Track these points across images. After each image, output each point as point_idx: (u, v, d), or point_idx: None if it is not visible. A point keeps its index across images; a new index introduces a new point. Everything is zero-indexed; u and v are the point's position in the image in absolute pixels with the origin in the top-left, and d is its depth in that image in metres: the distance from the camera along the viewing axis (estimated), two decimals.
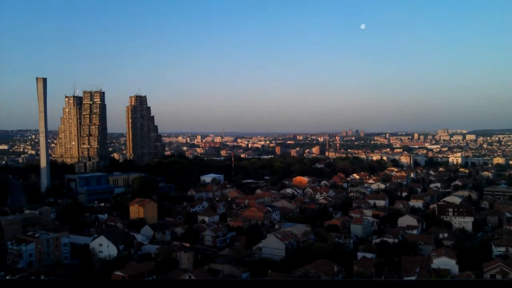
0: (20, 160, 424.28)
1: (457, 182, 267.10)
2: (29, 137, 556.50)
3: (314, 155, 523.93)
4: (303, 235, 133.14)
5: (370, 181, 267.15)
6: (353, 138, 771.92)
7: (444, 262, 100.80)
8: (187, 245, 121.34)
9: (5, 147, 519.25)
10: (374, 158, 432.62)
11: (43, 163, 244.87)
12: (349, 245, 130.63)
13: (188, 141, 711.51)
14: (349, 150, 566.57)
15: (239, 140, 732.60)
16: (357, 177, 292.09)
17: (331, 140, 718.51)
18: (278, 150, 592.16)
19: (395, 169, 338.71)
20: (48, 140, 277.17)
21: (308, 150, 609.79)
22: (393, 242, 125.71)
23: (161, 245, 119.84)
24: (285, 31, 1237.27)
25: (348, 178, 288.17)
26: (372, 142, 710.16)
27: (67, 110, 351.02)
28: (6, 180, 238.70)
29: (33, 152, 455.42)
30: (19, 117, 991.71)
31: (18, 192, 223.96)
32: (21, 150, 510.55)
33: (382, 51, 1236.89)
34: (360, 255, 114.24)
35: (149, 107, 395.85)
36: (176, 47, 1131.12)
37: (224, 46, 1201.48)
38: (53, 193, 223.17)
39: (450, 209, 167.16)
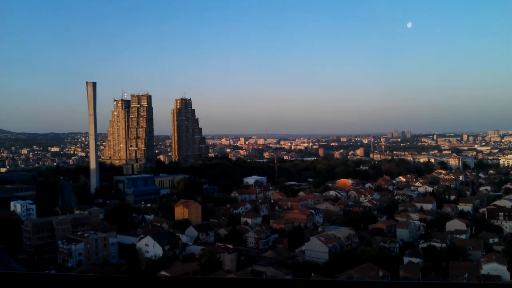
0: (71, 162, 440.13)
1: (508, 185, 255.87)
2: (79, 140, 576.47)
3: (358, 157, 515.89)
4: (347, 238, 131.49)
5: (417, 183, 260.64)
6: (399, 140, 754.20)
7: (494, 268, 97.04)
8: (231, 246, 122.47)
9: (56, 149, 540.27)
10: (421, 160, 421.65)
11: (93, 164, 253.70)
12: (394, 250, 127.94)
13: (232, 143, 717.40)
14: (394, 152, 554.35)
15: (282, 142, 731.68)
16: (403, 179, 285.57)
17: (376, 141, 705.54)
18: (321, 152, 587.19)
19: (443, 172, 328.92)
20: (98, 143, 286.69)
21: (352, 152, 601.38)
22: (441, 246, 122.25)
23: (205, 246, 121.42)
24: (330, 32, 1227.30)
25: (394, 181, 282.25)
26: (419, 144, 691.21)
27: (115, 113, 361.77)
28: (58, 181, 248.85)
29: (83, 154, 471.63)
30: (70, 120, 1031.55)
31: (69, 193, 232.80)
32: (72, 152, 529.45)
33: (430, 51, 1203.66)
34: (406, 259, 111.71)
35: (194, 110, 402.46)
36: (221, 50, 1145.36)
37: (267, 47, 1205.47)
38: (102, 194, 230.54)
39: (501, 213, 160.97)
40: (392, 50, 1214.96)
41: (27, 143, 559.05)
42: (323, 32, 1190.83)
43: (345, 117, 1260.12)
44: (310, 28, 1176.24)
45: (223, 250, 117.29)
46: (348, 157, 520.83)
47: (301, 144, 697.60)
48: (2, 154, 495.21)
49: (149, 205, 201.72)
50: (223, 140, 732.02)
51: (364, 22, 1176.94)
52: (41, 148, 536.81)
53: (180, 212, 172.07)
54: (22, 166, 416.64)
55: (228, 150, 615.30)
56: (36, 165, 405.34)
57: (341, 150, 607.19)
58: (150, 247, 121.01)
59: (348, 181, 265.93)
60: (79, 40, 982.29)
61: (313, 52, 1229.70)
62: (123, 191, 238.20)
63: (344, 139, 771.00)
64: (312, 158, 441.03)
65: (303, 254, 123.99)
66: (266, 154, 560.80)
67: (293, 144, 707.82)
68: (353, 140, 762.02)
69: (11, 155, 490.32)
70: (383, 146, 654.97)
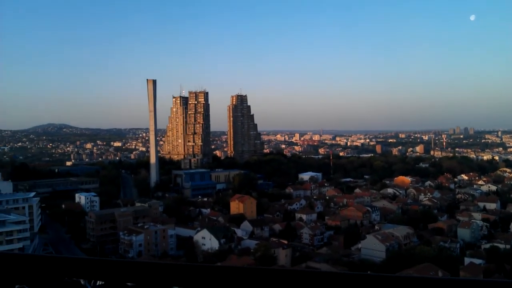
0: (132, 157, 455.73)
1: None
2: (140, 135, 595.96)
3: (418, 154, 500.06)
4: (405, 237, 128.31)
5: (480, 182, 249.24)
6: (461, 136, 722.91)
7: None
8: (285, 242, 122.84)
9: (119, 144, 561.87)
10: (485, 157, 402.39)
11: (153, 159, 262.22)
12: (455, 250, 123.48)
13: (287, 139, 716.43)
14: (456, 149, 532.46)
15: (337, 138, 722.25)
16: (466, 178, 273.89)
17: (436, 138, 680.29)
18: (378, 148, 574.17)
19: (508, 170, 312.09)
20: (157, 138, 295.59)
21: (411, 148, 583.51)
22: (505, 248, 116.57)
23: (260, 241, 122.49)
24: (385, 24, 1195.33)
25: (455, 179, 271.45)
26: (483, 141, 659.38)
27: (174, 109, 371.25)
28: (120, 175, 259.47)
29: (144, 149, 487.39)
30: (131, 116, 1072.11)
31: (130, 186, 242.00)
32: (133, 147, 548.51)
33: (496, 41, 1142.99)
34: (467, 260, 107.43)
35: (249, 106, 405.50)
36: (277, 46, 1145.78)
37: (321, 42, 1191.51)
38: (161, 188, 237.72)
39: None
40: (454, 41, 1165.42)
41: (91, 138, 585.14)
42: (377, 25, 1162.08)
43: (404, 112, 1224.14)
44: (365, 21, 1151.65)
45: (277, 245, 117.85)
46: (407, 154, 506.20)
47: (358, 141, 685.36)
48: (68, 149, 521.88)
49: (205, 199, 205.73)
50: (278, 136, 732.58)
51: (427, 13, 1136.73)
52: (104, 143, 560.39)
53: (236, 206, 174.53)
54: (87, 160, 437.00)
55: (283, 146, 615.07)
56: (100, 159, 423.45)
57: (400, 147, 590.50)
58: (207, 240, 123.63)
59: (407, 179, 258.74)
60: (141, 39, 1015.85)
61: (370, 45, 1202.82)
62: (181, 185, 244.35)
63: (403, 136, 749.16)
64: (369, 155, 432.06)
65: (359, 252, 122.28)
66: (321, 150, 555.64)
67: (349, 140, 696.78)
68: (412, 137, 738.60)
69: (76, 150, 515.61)
70: (444, 143, 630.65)
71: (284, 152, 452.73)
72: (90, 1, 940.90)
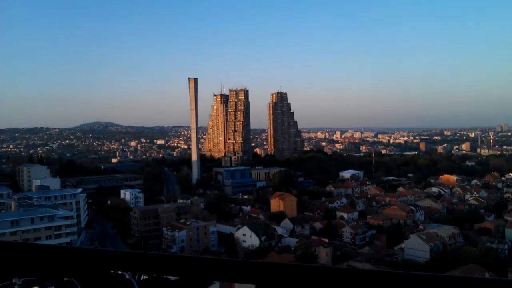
0: (174, 154, 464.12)
1: None
2: (182, 133, 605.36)
3: (464, 152, 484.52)
4: (450, 237, 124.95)
5: None
6: (510, 134, 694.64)
7: None
8: (326, 240, 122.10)
9: (161, 141, 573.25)
10: None
11: (194, 156, 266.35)
12: (503, 251, 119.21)
13: (327, 136, 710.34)
14: (504, 147, 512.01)
15: (379, 136, 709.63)
16: None
17: (483, 135, 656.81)
18: (422, 146, 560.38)
19: None
20: (199, 136, 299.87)
21: (456, 146, 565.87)
22: None
23: (300, 239, 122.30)
24: (433, 18, 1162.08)
25: (503, 178, 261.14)
26: None
27: (215, 107, 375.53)
28: (163, 171, 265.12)
29: (186, 146, 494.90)
30: (174, 114, 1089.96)
31: (173, 183, 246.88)
32: (175, 144, 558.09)
33: None
34: None
35: (289, 103, 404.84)
36: (317, 43, 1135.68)
37: (364, 38, 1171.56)
38: (203, 185, 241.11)
39: None
40: (501, 35, 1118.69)
41: (136, 136, 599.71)
42: (422, 17, 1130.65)
43: (449, 109, 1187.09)
44: (408, 17, 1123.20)
45: (318, 244, 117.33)
46: (453, 151, 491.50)
47: (401, 138, 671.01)
48: (114, 146, 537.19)
49: (246, 196, 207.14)
50: (319, 133, 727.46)
51: (476, 10, 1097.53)
52: (148, 141, 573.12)
53: (276, 204, 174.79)
54: (131, 157, 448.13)
55: (324, 143, 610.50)
56: (144, 156, 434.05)
57: (445, 144, 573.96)
58: (247, 237, 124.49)
59: (452, 177, 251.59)
60: (183, 38, 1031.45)
61: (414, 39, 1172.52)
62: (221, 183, 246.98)
63: (448, 133, 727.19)
64: (413, 153, 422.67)
65: (402, 252, 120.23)
66: (363, 148, 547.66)
67: (392, 137, 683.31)
68: (458, 134, 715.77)
69: (121, 147, 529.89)
70: (491, 140, 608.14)
71: (325, 150, 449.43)
72: (134, 1, 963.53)
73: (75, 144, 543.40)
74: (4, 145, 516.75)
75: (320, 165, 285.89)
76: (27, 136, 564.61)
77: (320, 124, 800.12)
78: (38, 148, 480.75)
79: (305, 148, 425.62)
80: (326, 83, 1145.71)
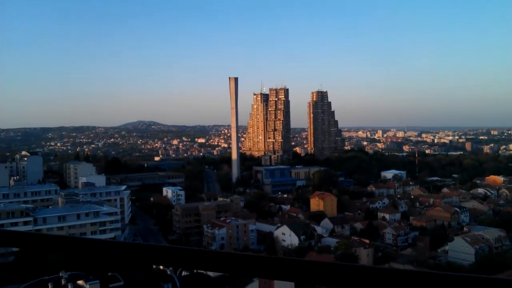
0: (215, 152, 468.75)
1: None
2: (222, 132, 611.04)
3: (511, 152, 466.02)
4: (496, 240, 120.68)
5: None
6: None
7: None
8: (367, 241, 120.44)
9: (202, 140, 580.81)
10: None
11: (234, 155, 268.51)
12: None
13: (368, 135, 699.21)
14: None
15: (423, 135, 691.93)
16: None
17: None
18: (468, 146, 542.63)
19: None
20: (239, 135, 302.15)
21: (504, 146, 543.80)
22: None
23: (340, 239, 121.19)
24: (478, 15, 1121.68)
25: None
26: None
27: (255, 106, 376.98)
28: (203, 170, 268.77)
29: (226, 145, 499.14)
30: (214, 113, 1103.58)
31: (213, 181, 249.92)
32: (216, 143, 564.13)
33: None
34: None
35: (330, 102, 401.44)
36: (355, 41, 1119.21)
37: (406, 35, 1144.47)
38: (242, 183, 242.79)
39: None
40: None
41: (177, 135, 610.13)
42: (470, 15, 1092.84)
43: (496, 108, 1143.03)
44: (457, 12, 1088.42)
45: (359, 244, 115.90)
46: (500, 151, 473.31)
47: (445, 138, 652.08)
48: (156, 145, 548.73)
49: (285, 195, 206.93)
50: (360, 132, 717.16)
51: None
52: (189, 139, 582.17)
53: (316, 203, 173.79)
54: (173, 155, 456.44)
55: (365, 143, 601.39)
56: (185, 154, 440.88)
57: (492, 144, 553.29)
58: (287, 236, 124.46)
59: (499, 178, 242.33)
60: (224, 37, 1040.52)
61: (459, 35, 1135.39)
62: (261, 181, 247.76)
63: (495, 132, 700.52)
64: (458, 153, 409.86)
65: (446, 255, 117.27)
66: (405, 148, 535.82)
67: (436, 137, 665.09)
68: (505, 133, 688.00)
69: (163, 146, 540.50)
70: None
71: (366, 149, 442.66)
72: (177, 0, 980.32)
73: (120, 143, 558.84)
74: (52, 143, 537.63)
75: (361, 164, 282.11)
76: (74, 134, 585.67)
77: (362, 123, 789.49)
78: (84, 146, 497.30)
79: (346, 148, 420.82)
80: (367, 82, 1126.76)
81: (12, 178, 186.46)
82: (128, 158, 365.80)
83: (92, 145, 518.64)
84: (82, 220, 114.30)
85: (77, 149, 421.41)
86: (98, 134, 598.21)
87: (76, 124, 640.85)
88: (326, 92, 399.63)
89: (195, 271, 74.79)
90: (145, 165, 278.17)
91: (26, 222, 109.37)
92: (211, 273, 72.12)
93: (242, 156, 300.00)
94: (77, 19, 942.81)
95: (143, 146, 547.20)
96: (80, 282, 68.19)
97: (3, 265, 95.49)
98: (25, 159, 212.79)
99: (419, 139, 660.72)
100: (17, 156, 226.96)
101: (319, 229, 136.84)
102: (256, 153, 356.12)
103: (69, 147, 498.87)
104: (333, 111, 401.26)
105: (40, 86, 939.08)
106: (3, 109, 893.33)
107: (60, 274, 71.44)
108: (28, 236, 2.80)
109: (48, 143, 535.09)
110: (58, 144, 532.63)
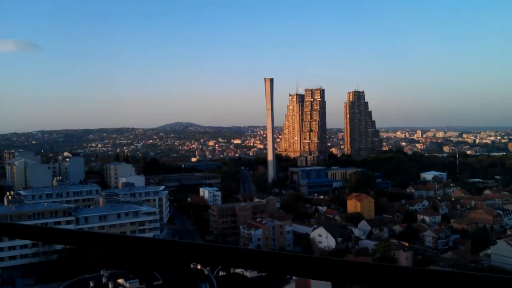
0: (251, 153, 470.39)
1: None
2: (258, 133, 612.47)
3: None
4: None
5: None
6: None
7: None
8: (406, 244, 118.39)
9: (238, 141, 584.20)
10: None
11: (270, 156, 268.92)
12: None
13: (407, 136, 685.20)
14: None
15: (464, 135, 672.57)
16: None
17: None
18: (511, 146, 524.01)
19: None
20: (274, 136, 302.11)
21: None
22: None
23: (378, 242, 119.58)
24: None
25: None
26: None
27: (290, 107, 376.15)
28: (239, 171, 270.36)
29: (261, 146, 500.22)
30: (250, 114, 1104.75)
31: (249, 182, 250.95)
32: (251, 144, 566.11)
33: None
34: None
35: (367, 102, 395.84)
36: (392, 40, 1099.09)
37: (445, 33, 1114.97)
38: (278, 184, 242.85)
39: None
40: None
41: (214, 136, 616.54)
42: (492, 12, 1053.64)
43: None
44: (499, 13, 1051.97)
45: (398, 247, 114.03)
46: None
47: (487, 138, 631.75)
48: (193, 146, 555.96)
49: (321, 196, 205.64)
50: (398, 133, 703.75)
51: None
52: (225, 140, 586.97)
53: (353, 205, 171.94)
54: (210, 156, 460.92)
55: (403, 143, 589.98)
56: (221, 155, 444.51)
57: None
58: (323, 238, 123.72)
59: None
60: (259, 38, 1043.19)
61: (499, 34, 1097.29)
62: (297, 182, 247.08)
63: None
64: (500, 153, 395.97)
65: (488, 258, 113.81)
66: (446, 148, 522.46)
67: (478, 137, 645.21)
68: None
69: (200, 147, 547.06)
70: None
71: (405, 150, 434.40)
72: (213, 1, 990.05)
73: (158, 144, 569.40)
74: (93, 144, 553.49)
75: (399, 165, 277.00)
76: (114, 136, 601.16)
77: (400, 124, 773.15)
78: (124, 147, 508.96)
79: (384, 148, 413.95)
80: (406, 81, 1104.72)
81: (55, 178, 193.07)
82: (166, 159, 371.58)
83: (131, 146, 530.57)
84: (122, 220, 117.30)
85: (117, 150, 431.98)
86: (137, 135, 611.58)
87: (116, 126, 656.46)
88: (363, 92, 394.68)
89: (232, 271, 75.53)
90: (182, 166, 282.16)
91: (68, 221, 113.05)
92: (248, 274, 72.62)
93: (278, 157, 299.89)
94: (123, 20, 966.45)
95: (180, 147, 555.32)
96: (120, 280, 70.04)
97: (47, 263, 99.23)
98: (68, 160, 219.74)
99: (460, 139, 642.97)
100: (60, 157, 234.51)
101: (356, 231, 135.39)
102: (292, 154, 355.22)
103: (109, 148, 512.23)
104: (370, 111, 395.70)
105: (82, 89, 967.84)
106: (46, 112, 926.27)
107: (101, 273, 73.64)
108: (73, 234, 2.84)
109: (89, 145, 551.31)
110: (99, 146, 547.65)
